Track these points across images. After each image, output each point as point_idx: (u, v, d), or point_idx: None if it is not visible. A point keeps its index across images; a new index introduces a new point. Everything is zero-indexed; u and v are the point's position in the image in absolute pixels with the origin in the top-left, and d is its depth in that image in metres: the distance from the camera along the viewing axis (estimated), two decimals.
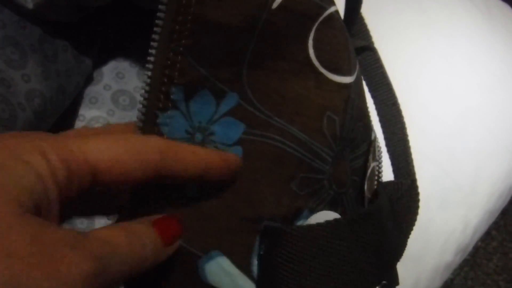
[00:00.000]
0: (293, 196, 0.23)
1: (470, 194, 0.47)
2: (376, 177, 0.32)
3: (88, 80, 0.39)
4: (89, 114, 0.39)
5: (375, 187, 0.31)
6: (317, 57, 0.23)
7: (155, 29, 0.22)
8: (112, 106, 0.39)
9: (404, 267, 0.32)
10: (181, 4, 0.22)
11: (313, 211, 0.24)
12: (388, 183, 0.30)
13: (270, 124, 0.23)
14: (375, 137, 0.30)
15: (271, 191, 0.23)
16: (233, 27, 0.22)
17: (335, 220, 0.23)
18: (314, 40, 0.23)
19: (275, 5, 0.23)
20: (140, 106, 0.22)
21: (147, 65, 0.22)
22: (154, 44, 0.22)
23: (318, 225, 0.22)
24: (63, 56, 0.33)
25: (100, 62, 0.40)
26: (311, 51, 0.23)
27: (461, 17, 0.52)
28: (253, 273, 0.23)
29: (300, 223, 0.23)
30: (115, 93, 0.40)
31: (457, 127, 0.47)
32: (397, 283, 0.30)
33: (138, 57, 0.41)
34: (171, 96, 0.22)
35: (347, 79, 0.24)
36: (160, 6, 0.22)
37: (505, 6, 0.65)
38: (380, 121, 0.33)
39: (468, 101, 0.49)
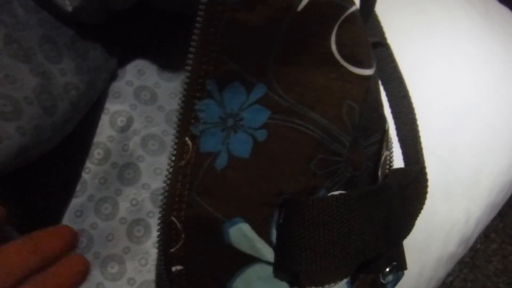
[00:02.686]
0: (312, 175, 0.26)
1: (472, 187, 0.49)
2: (387, 166, 0.34)
3: (113, 76, 0.42)
4: (113, 108, 0.41)
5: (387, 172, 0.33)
6: (339, 51, 0.26)
7: (195, 31, 0.26)
8: (134, 100, 0.41)
9: (410, 256, 0.34)
10: (216, 10, 0.25)
11: (329, 190, 0.27)
12: (398, 169, 0.33)
13: (293, 110, 0.26)
14: (388, 128, 0.32)
15: (291, 169, 0.26)
16: (260, 29, 0.25)
17: (347, 193, 0.26)
18: (336, 36, 0.26)
19: (300, 8, 0.25)
20: (181, 95, 0.26)
21: (187, 61, 0.26)
22: (194, 43, 0.26)
23: (332, 196, 0.25)
24: (93, 54, 0.36)
25: (123, 60, 0.42)
26: (333, 47, 0.26)
27: (461, 19, 0.55)
28: (271, 240, 0.26)
29: None
30: (136, 88, 0.42)
31: (459, 123, 0.50)
32: (405, 268, 0.32)
33: (157, 55, 0.44)
34: (207, 87, 0.26)
35: (367, 72, 0.26)
36: (199, 12, 0.25)
37: (504, 8, 0.68)
38: (392, 112, 0.35)
39: (468, 98, 0.51)
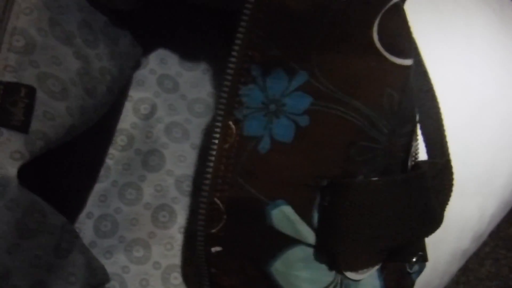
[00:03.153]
0: (351, 161, 0.27)
1: (486, 184, 0.50)
2: (413, 158, 0.35)
3: (136, 65, 0.42)
4: (137, 95, 0.41)
5: (413, 163, 0.34)
6: (380, 40, 0.26)
7: (242, 16, 0.26)
8: (158, 88, 0.42)
9: None
10: None
11: (366, 177, 0.28)
12: (424, 162, 0.33)
13: (334, 97, 0.26)
14: (417, 119, 0.33)
15: (332, 153, 0.27)
16: (306, 16, 0.26)
17: (392, 177, 0.26)
18: (379, 26, 0.26)
19: None
20: (226, 80, 0.27)
21: (233, 46, 0.27)
22: (241, 29, 0.26)
23: (378, 180, 0.25)
24: (123, 41, 0.36)
25: (146, 49, 0.43)
26: (375, 36, 0.26)
27: (476, 16, 0.55)
28: (313, 223, 0.26)
29: None
30: (159, 77, 0.42)
31: (473, 120, 0.50)
32: (427, 259, 0.33)
33: (178, 45, 0.44)
34: (252, 72, 0.27)
35: (407, 62, 0.27)
36: None
37: None
38: (416, 105, 0.36)
39: (483, 95, 0.52)
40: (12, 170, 0.23)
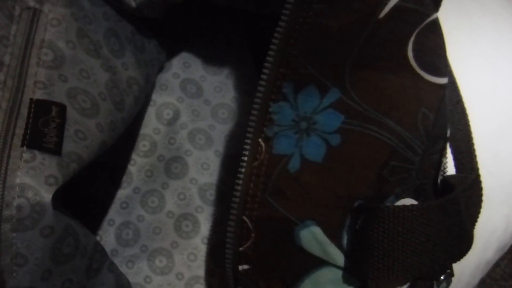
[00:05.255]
0: (384, 181, 0.26)
1: None
2: (441, 172, 0.34)
3: (159, 69, 0.41)
4: (160, 100, 0.41)
5: (441, 178, 0.33)
6: (415, 58, 0.26)
7: (276, 34, 0.26)
8: (181, 93, 0.41)
9: None
10: (301, 15, 0.25)
11: (398, 197, 0.27)
12: (453, 176, 0.32)
13: (368, 116, 0.26)
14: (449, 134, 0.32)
15: (364, 174, 0.26)
16: (342, 34, 0.25)
17: (427, 202, 0.26)
18: (414, 43, 0.25)
19: (382, 14, 0.25)
20: (256, 97, 0.27)
21: (265, 64, 0.26)
22: (274, 47, 0.26)
23: (413, 205, 0.25)
24: (148, 47, 0.35)
25: (169, 52, 0.42)
26: (410, 53, 0.26)
27: (504, 21, 0.54)
28: (342, 245, 0.26)
29: None
30: (183, 81, 0.42)
31: (501, 129, 0.49)
32: (453, 275, 0.32)
33: (202, 49, 0.43)
34: (283, 90, 0.26)
35: (442, 80, 0.26)
36: (282, 17, 0.25)
37: None
38: (448, 119, 0.35)
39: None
40: (47, 196, 0.22)
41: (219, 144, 0.40)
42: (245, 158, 0.27)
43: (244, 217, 0.27)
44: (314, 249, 0.26)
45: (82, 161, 0.24)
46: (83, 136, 0.25)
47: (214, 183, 0.39)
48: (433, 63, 0.26)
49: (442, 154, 0.31)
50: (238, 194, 0.27)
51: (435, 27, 0.26)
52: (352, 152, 0.26)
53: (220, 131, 0.41)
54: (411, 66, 0.26)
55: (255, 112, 0.27)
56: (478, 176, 0.34)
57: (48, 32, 0.25)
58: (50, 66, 0.24)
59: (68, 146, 0.23)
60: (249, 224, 0.27)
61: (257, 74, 0.43)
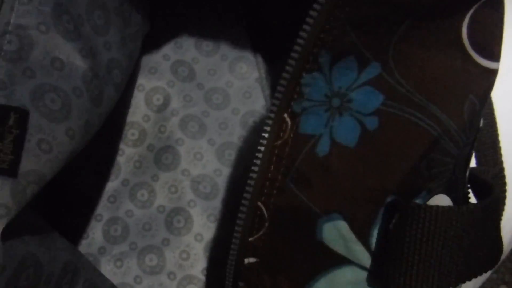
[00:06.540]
0: (420, 175, 0.23)
1: None
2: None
3: (147, 49, 0.38)
4: (149, 84, 0.38)
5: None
6: (469, 37, 0.22)
7: None
8: (172, 77, 0.38)
9: None
10: None
11: (430, 192, 0.24)
12: (475, 169, 0.30)
13: (411, 99, 0.22)
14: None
15: (401, 165, 0.23)
16: (394, 1, 0.21)
17: (469, 204, 0.23)
18: (471, 19, 0.22)
19: None
20: (289, 65, 0.23)
21: (304, 26, 0.22)
22: (317, 6, 0.22)
23: (454, 207, 0.22)
24: (135, 18, 0.32)
25: (158, 31, 0.39)
26: (464, 30, 0.22)
27: None
28: (370, 244, 0.23)
29: (417, 202, 0.23)
30: (174, 63, 0.38)
31: None
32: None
33: (195, 27, 0.40)
34: (319, 59, 0.23)
35: (494, 65, 0.23)
36: None
37: None
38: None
39: None
40: None
41: (213, 132, 0.37)
42: (266, 135, 0.24)
43: (259, 203, 0.24)
44: (337, 246, 0.23)
45: (42, 181, 0.20)
46: (47, 147, 0.20)
47: (208, 174, 0.36)
48: (488, 44, 0.23)
49: (473, 146, 0.28)
50: (254, 176, 0.24)
51: (498, 5, 0.23)
52: (390, 139, 0.22)
53: (214, 117, 0.37)
54: (463, 45, 0.23)
55: (283, 82, 0.23)
56: (502, 169, 0.31)
57: (16, 13, 0.21)
58: (13, 58, 0.20)
59: (27, 163, 0.19)
60: (264, 212, 0.24)
61: (254, 55, 0.39)
